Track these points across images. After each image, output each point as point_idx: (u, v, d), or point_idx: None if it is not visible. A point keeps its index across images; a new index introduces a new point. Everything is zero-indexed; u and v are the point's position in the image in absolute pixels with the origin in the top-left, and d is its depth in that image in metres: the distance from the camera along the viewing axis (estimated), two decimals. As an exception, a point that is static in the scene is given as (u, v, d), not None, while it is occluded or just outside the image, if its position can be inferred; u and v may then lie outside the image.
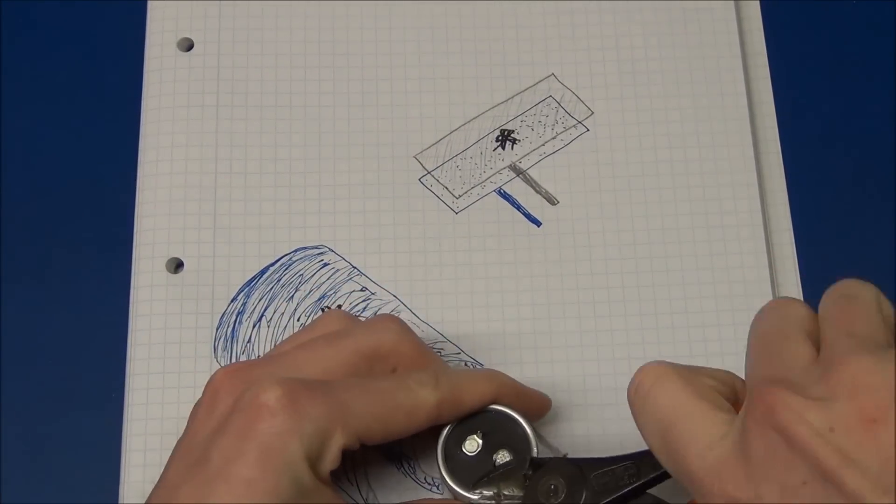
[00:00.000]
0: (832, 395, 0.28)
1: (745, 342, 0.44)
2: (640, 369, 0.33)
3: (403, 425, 0.37)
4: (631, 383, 0.34)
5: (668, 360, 0.44)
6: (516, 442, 0.38)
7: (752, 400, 0.30)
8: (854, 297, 0.31)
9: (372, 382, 0.37)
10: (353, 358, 0.37)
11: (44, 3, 0.50)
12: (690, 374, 0.33)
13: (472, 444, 0.38)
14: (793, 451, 0.27)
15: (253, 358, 0.44)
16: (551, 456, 0.38)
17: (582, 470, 0.37)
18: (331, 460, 0.35)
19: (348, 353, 0.37)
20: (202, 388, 0.43)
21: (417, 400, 0.37)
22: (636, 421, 0.33)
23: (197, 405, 0.37)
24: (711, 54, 0.49)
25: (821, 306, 0.32)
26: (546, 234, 0.46)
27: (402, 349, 0.38)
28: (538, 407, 0.41)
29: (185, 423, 0.37)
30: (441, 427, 0.38)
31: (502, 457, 0.38)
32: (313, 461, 0.34)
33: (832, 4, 0.51)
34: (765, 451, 0.28)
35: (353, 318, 0.40)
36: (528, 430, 0.38)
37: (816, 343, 0.31)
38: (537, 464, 0.38)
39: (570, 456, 0.38)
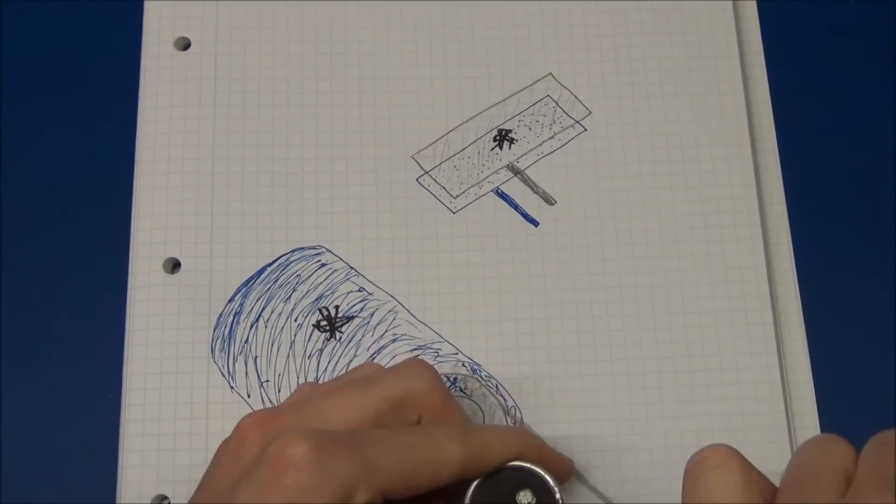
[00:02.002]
0: None
1: (743, 342, 0.44)
2: (711, 447, 0.34)
3: (428, 481, 0.36)
4: (696, 455, 0.34)
5: (665, 359, 0.44)
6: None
7: None
8: (891, 443, 0.33)
9: (399, 436, 0.36)
10: (381, 406, 0.36)
11: (41, 3, 0.50)
12: (753, 472, 0.34)
13: None
14: None
15: (252, 357, 0.44)
16: None
17: None
18: None
19: (377, 401, 0.36)
20: (199, 389, 0.43)
21: (444, 455, 0.36)
22: (685, 489, 0.34)
23: (224, 446, 0.37)
24: (709, 54, 0.49)
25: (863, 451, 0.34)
26: (544, 235, 0.46)
27: (429, 399, 0.37)
28: (560, 472, 0.40)
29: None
30: (467, 484, 0.37)
31: None
32: None
33: (828, 4, 0.51)
34: None
35: (382, 367, 0.40)
36: (558, 493, 0.38)
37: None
38: None
39: None
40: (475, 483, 0.37)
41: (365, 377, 0.38)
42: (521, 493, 0.37)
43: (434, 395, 0.37)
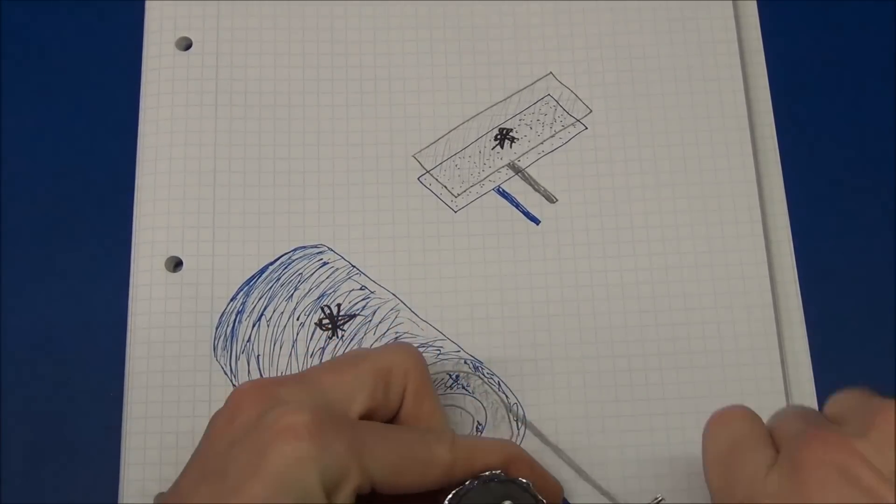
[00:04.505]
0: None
1: (745, 338, 0.44)
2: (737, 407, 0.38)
3: (417, 479, 0.36)
4: (724, 412, 0.37)
5: (667, 356, 0.44)
6: None
7: (804, 439, 0.33)
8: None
9: (393, 430, 0.37)
10: (372, 378, 0.37)
11: (42, 3, 0.50)
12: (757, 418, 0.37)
13: None
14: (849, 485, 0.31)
15: (255, 356, 0.44)
16: None
17: None
18: (343, 497, 0.34)
19: (369, 374, 0.37)
20: (202, 388, 0.43)
21: (434, 456, 0.36)
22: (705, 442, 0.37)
23: (217, 413, 0.37)
24: (709, 53, 0.49)
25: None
26: (545, 233, 0.46)
27: (414, 373, 0.38)
28: (548, 492, 0.39)
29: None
30: (447, 490, 0.37)
31: None
32: (328, 494, 0.34)
33: (828, 4, 0.51)
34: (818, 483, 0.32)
35: (369, 348, 0.41)
36: None
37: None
38: None
39: None
40: (456, 489, 0.37)
41: (356, 354, 0.39)
42: None
43: (418, 369, 0.39)
